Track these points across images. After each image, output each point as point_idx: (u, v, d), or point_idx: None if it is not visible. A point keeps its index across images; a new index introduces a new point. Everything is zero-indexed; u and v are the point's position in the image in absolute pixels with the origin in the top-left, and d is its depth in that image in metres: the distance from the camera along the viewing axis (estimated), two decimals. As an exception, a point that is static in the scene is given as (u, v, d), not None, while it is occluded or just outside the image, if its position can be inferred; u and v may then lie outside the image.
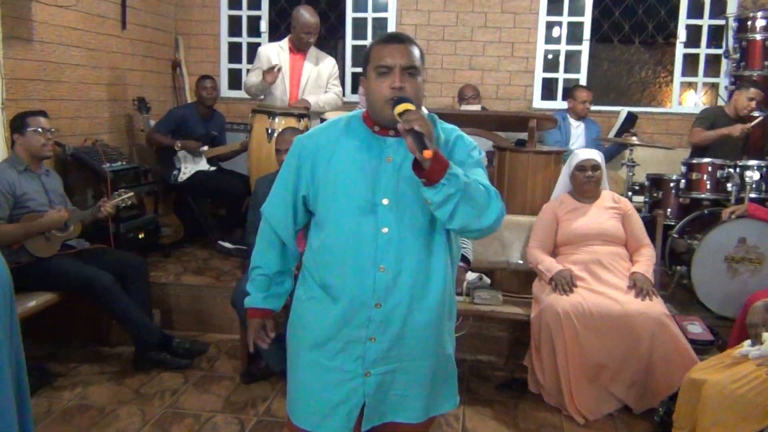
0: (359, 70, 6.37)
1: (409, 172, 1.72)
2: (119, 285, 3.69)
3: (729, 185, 4.35)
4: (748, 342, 2.69)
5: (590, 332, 3.23)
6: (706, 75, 6.23)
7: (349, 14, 6.41)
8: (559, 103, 6.23)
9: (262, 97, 4.90)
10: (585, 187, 3.61)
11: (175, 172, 5.05)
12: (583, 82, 6.19)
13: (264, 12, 6.49)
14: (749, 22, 5.51)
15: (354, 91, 6.41)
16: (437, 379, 1.93)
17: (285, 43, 4.86)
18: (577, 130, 5.55)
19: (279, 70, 4.66)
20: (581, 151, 3.76)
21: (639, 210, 4.10)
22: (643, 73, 7.95)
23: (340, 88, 5.02)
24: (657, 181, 4.72)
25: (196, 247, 5.26)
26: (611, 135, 5.83)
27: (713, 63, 6.24)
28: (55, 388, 3.51)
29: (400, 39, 1.82)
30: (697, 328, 3.76)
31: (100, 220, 3.87)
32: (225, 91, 6.47)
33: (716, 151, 4.72)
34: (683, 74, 6.25)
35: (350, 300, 1.81)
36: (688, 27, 6.13)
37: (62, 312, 3.89)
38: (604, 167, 3.71)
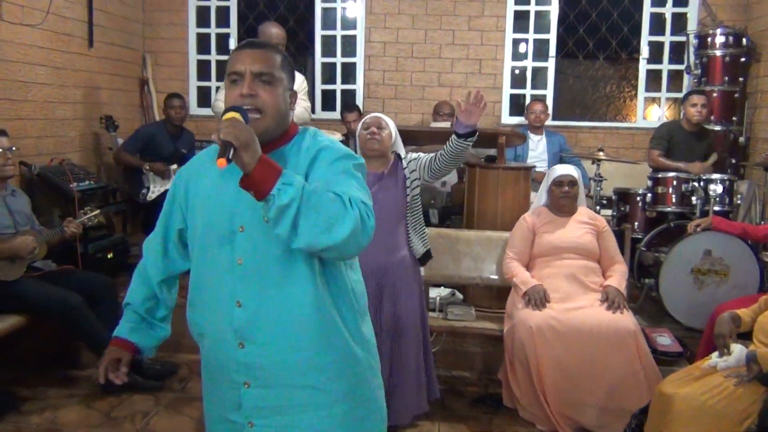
0: (329, 87, 6.47)
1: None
2: (87, 306, 3.63)
3: (694, 199, 4.44)
4: (716, 354, 2.74)
5: (563, 346, 3.26)
6: (669, 90, 6.38)
7: (318, 32, 6.44)
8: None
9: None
10: (561, 201, 3.66)
11: (144, 191, 5.00)
12: (549, 97, 6.29)
13: (233, 29, 6.49)
14: (709, 39, 5.67)
15: (324, 108, 6.43)
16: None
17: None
18: (538, 144, 5.62)
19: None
20: (559, 166, 3.82)
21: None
22: (608, 88, 8.09)
23: (309, 104, 5.02)
24: (624, 195, 4.80)
25: (165, 266, 5.19)
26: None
27: (676, 78, 6.38)
28: (22, 412, 3.42)
29: (255, 44, 1.67)
30: (666, 339, 3.82)
31: (67, 240, 3.81)
32: (194, 109, 6.45)
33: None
34: (647, 89, 6.39)
35: (212, 339, 1.68)
36: (651, 43, 6.28)
37: (30, 335, 3.80)
38: (581, 184, 3.77)
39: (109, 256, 4.59)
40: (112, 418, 3.39)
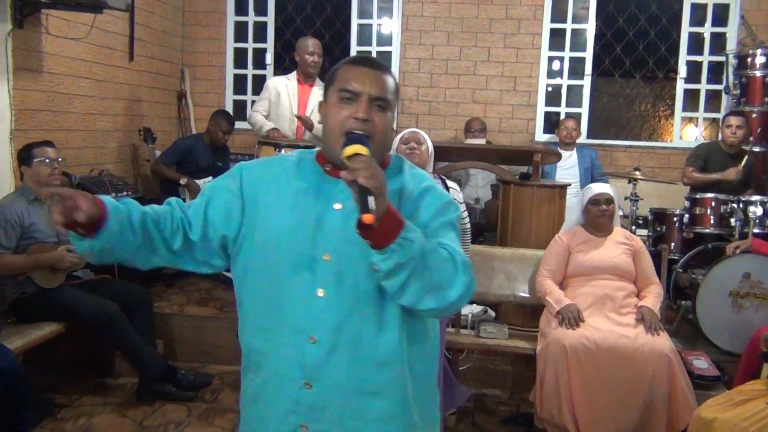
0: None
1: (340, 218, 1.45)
2: (124, 315, 3.68)
3: (732, 220, 4.37)
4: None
5: (596, 367, 3.22)
6: (706, 110, 6.30)
7: (354, 48, 6.50)
8: (560, 137, 6.29)
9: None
10: (599, 220, 3.63)
11: (180, 203, 5.06)
12: (584, 115, 6.26)
13: (270, 45, 6.57)
14: (749, 59, 5.58)
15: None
16: None
17: (293, 75, 4.94)
18: (568, 160, 5.57)
19: (279, 133, 4.72)
20: (595, 185, 3.78)
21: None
22: (643, 107, 8.04)
23: None
24: (660, 216, 4.74)
25: (199, 277, 5.24)
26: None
27: (714, 98, 6.31)
28: (57, 419, 3.48)
29: (374, 64, 1.52)
30: (702, 363, 3.74)
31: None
32: (230, 122, 6.53)
33: (719, 185, 4.74)
34: (684, 109, 6.32)
35: (273, 373, 1.49)
36: (689, 63, 6.22)
37: (66, 342, 3.87)
38: (617, 203, 3.74)
39: (144, 267, 4.63)
40: (144, 427, 3.43)
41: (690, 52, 6.20)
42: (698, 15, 6.19)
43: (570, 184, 4.60)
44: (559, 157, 4.54)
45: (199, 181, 5.06)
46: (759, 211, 4.31)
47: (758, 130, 5.49)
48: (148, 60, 5.84)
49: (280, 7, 6.59)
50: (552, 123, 6.38)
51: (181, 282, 5.08)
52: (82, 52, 4.84)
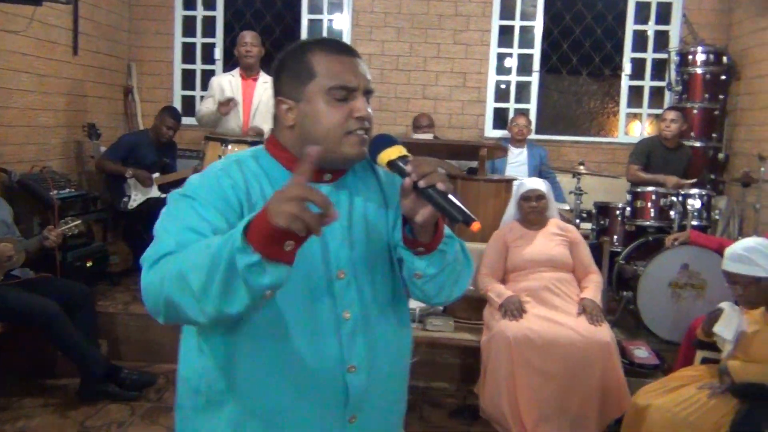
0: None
1: (360, 231, 1.33)
2: (65, 314, 3.60)
3: (672, 213, 4.48)
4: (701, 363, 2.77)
5: (539, 358, 3.27)
6: (650, 106, 6.44)
7: (304, 43, 6.46)
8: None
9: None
10: (530, 216, 3.69)
11: (125, 199, 4.98)
12: (533, 111, 6.35)
13: (219, 40, 6.50)
14: (690, 57, 5.75)
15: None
16: None
17: (236, 71, 4.93)
18: (519, 157, 5.67)
19: (234, 103, 4.69)
20: (527, 180, 3.85)
21: (587, 237, 4.19)
22: (592, 104, 8.18)
23: None
24: (604, 209, 4.84)
25: (146, 275, 5.16)
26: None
27: (657, 95, 6.46)
28: (-5, 422, 3.40)
29: (351, 50, 1.37)
30: (643, 352, 3.85)
31: (47, 248, 3.79)
32: (178, 118, 6.44)
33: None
34: (629, 105, 6.46)
35: (312, 427, 1.29)
36: (633, 60, 6.35)
37: (6, 344, 3.77)
38: (552, 197, 3.80)
39: (88, 265, 4.55)
40: (86, 428, 3.37)
41: (634, 49, 6.34)
42: (642, 13, 6.33)
43: (516, 179, 4.66)
44: (505, 152, 4.60)
45: (146, 178, 4.99)
46: (697, 204, 4.43)
47: (699, 126, 5.67)
48: (93, 54, 5.71)
49: (230, 1, 6.52)
50: (502, 119, 6.46)
51: (127, 280, 5.00)
52: (22, 45, 4.71)
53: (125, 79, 6.36)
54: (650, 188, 4.65)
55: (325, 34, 6.45)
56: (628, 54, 6.34)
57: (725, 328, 2.67)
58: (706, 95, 5.69)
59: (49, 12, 4.93)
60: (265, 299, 1.08)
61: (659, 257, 4.13)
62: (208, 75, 6.13)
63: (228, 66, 6.25)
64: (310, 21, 6.47)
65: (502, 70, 6.48)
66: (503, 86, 6.54)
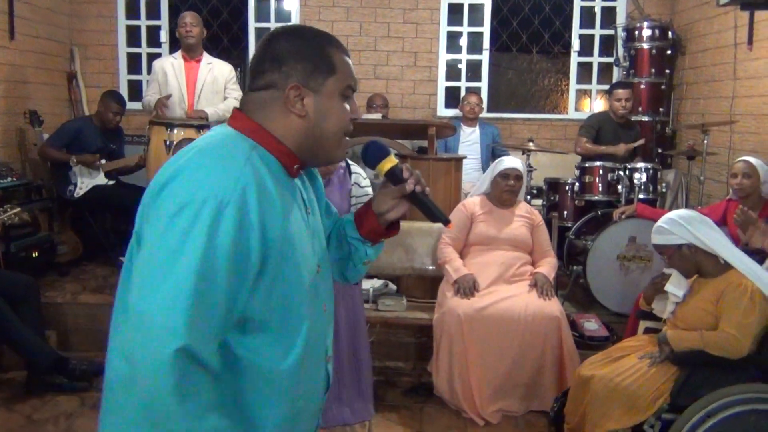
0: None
1: (317, 223, 1.37)
2: (8, 306, 3.51)
3: (619, 187, 4.55)
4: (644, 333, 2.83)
5: (490, 334, 3.31)
6: (599, 82, 6.51)
7: (252, 24, 6.36)
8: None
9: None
10: (505, 195, 3.69)
11: (71, 188, 4.85)
12: (484, 90, 6.36)
13: (164, 22, 6.35)
14: (636, 32, 5.82)
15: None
16: None
17: (178, 53, 4.84)
18: (471, 136, 5.69)
19: (169, 97, 4.61)
20: (508, 159, 3.83)
21: (536, 212, 4.23)
22: (546, 82, 8.24)
23: (240, 93, 4.96)
24: (554, 185, 4.89)
25: (96, 264, 5.07)
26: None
27: (606, 71, 6.53)
28: (-63, 419, 3.31)
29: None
30: (593, 325, 3.92)
31: (-14, 239, 3.69)
32: (124, 103, 6.29)
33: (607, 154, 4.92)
34: (579, 82, 6.52)
35: (307, 411, 1.33)
36: (582, 36, 6.40)
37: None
38: (525, 178, 3.83)
39: (34, 255, 4.45)
40: (33, 421, 3.30)
41: (582, 26, 6.39)
42: (590, -11, 6.38)
43: (466, 157, 4.68)
44: (454, 130, 4.60)
45: (92, 165, 4.87)
46: (644, 177, 4.51)
47: (646, 100, 5.76)
48: (32, 39, 5.53)
49: (174, -18, 6.38)
50: (455, 98, 6.46)
51: (76, 270, 4.90)
52: (-46, 30, 4.54)
53: (68, 64, 6.18)
54: (598, 163, 4.70)
55: (272, 15, 6.36)
56: (576, 30, 6.38)
57: (676, 287, 2.74)
58: (653, 70, 5.77)
59: (-18, -5, 4.76)
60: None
61: (607, 231, 4.20)
62: (153, 58, 5.98)
63: (175, 48, 6.11)
64: (258, 1, 6.36)
65: (453, 48, 6.47)
66: (455, 65, 6.54)
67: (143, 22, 6.36)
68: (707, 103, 5.43)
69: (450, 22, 6.38)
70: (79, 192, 4.86)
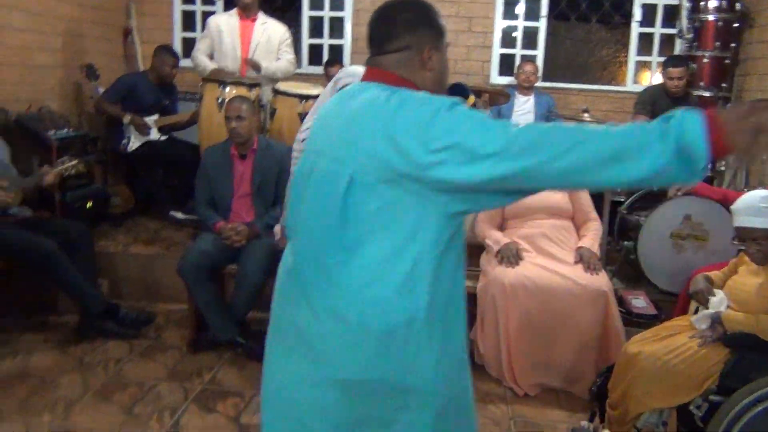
0: (316, 41, 6.36)
1: None
2: (63, 252, 3.61)
3: (677, 163, 4.39)
4: (695, 314, 2.74)
5: (534, 305, 3.27)
6: (661, 54, 6.28)
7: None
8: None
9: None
10: None
11: (125, 141, 4.93)
12: (540, 58, 6.21)
13: (220, -21, 6.35)
14: (702, 3, 5.57)
15: (312, 62, 6.34)
16: None
17: (234, 11, 4.83)
18: (525, 105, 5.58)
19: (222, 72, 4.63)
20: None
21: (588, 185, 4.13)
22: (604, 52, 8.00)
23: (293, 56, 4.95)
24: (608, 158, 4.76)
25: (147, 217, 5.17)
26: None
27: (668, 42, 6.30)
28: (-6, 357, 3.44)
29: None
30: (641, 302, 3.83)
31: (44, 188, 3.77)
32: (178, 60, 6.33)
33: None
34: (639, 53, 6.31)
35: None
36: (644, 6, 6.18)
37: (5, 280, 3.80)
38: None
39: (88, 206, 4.55)
40: (84, 364, 3.41)
41: (646, -6, 6.16)
42: (655, -43, 6.14)
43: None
44: (508, 97, 4.51)
45: (146, 119, 4.92)
46: (703, 154, 4.34)
47: (709, 75, 5.54)
48: (90, -7, 5.60)
49: (232, -60, 6.35)
50: (509, 66, 6.33)
51: (129, 222, 5.01)
52: (13, -18, 4.60)
53: (124, 20, 6.24)
54: (655, 137, 4.55)
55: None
56: (638, 0, 6.15)
57: (700, 321, 2.62)
58: (718, 43, 5.53)
59: (43, -52, 4.81)
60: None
61: (662, 207, 4.08)
62: (207, 16, 5.99)
63: (230, 7, 6.11)
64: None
65: (509, 15, 6.32)
66: (510, 32, 6.39)
67: (199, -21, 6.37)
68: (774, 80, 5.20)
69: (508, -13, 6.22)
70: (132, 146, 4.93)
